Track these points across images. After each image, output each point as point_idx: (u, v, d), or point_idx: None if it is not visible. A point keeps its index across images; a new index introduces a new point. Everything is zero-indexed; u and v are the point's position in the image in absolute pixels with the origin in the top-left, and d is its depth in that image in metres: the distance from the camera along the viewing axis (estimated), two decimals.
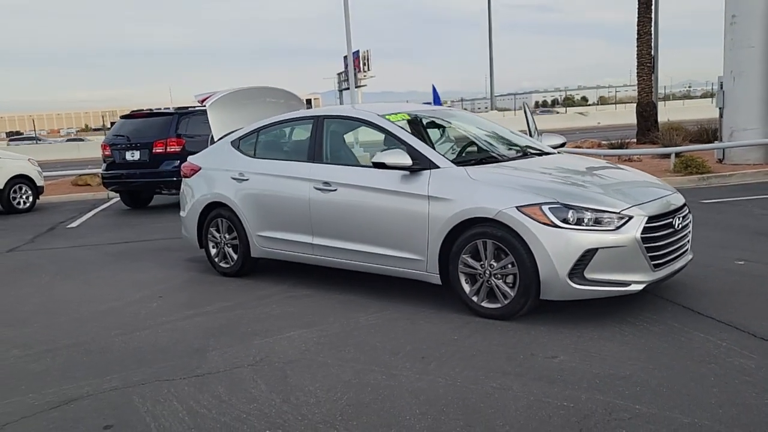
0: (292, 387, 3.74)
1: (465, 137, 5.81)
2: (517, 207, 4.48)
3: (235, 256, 6.37)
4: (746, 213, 8.55)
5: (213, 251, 6.57)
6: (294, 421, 3.31)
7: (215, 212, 6.45)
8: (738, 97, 13.90)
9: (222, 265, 6.50)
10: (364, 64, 49.21)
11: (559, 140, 6.20)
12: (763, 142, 13.56)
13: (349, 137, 6.16)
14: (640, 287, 4.44)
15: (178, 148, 11.69)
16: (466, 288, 4.80)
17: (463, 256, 4.76)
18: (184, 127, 11.95)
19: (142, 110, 13.06)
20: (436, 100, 15.42)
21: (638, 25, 20.68)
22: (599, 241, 4.34)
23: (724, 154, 14.31)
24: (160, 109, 13.34)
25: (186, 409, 3.52)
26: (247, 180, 6.14)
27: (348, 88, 48.75)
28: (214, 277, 6.49)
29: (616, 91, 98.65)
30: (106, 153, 12.32)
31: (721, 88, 14.56)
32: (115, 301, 5.83)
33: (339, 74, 51.15)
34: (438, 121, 5.98)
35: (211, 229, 6.52)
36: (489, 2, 66.18)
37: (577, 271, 4.35)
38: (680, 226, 4.76)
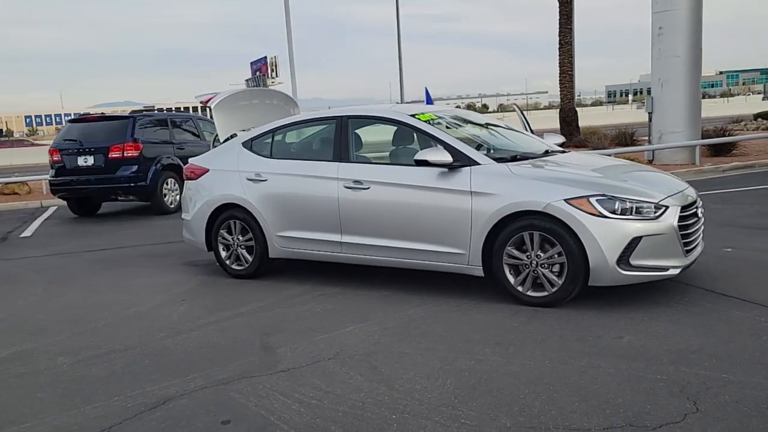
0: (388, 376, 3.82)
1: (488, 135, 6.04)
2: (565, 200, 4.76)
3: (249, 258, 6.32)
4: None
5: (223, 254, 6.49)
6: (414, 406, 3.41)
7: (227, 214, 6.38)
8: (666, 102, 14.95)
9: (234, 267, 6.43)
10: (272, 71, 48.78)
11: (560, 139, 6.56)
12: (689, 144, 14.65)
13: (376, 137, 6.25)
14: (676, 272, 4.81)
15: (135, 153, 11.34)
16: (511, 279, 5.03)
17: (508, 248, 4.99)
18: (140, 131, 11.60)
19: (90, 114, 12.55)
20: (428, 102, 15.73)
21: (560, 36, 21.83)
22: (643, 229, 4.68)
23: (653, 155, 15.36)
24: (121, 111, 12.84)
25: (296, 401, 3.54)
26: (265, 181, 6.12)
27: None
28: (227, 280, 6.41)
29: (526, 98, 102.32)
30: (55, 158, 11.76)
31: (650, 94, 15.59)
32: (137, 306, 5.67)
33: (247, 80, 50.33)
34: (459, 121, 6.18)
35: (222, 231, 6.44)
36: (398, 13, 67.52)
37: (624, 258, 4.67)
38: (701, 215, 5.19)
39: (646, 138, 16.19)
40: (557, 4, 21.52)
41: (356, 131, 6.09)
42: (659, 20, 14.68)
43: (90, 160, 11.42)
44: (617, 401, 3.34)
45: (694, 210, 5.05)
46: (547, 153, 5.81)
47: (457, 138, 5.48)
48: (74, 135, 11.72)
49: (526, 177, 5.03)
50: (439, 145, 5.30)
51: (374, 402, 3.49)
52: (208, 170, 6.58)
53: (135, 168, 11.34)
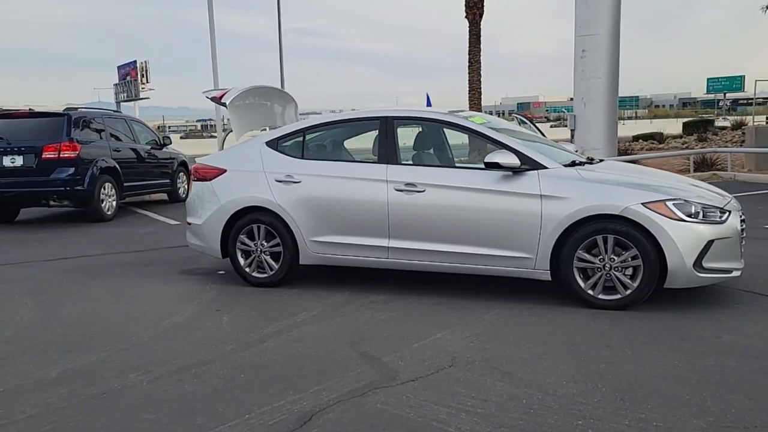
0: (532, 382, 3.68)
1: (533, 141, 6.03)
2: (642, 203, 4.84)
3: (275, 265, 5.92)
4: None
5: (242, 260, 6.03)
6: (590, 411, 3.30)
7: (249, 218, 5.95)
8: (588, 120, 15.79)
9: (256, 275, 5.99)
10: (142, 76, 46.59)
11: (574, 148, 6.72)
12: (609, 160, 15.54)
13: (429, 140, 6.04)
14: (738, 273, 5.03)
15: (72, 154, 10.36)
16: (581, 282, 5.03)
17: (579, 251, 5.00)
18: (77, 130, 10.62)
19: (17, 109, 11.34)
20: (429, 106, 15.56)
21: (469, 54, 22.57)
22: (715, 233, 4.85)
23: None
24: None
25: (460, 410, 3.33)
26: (298, 183, 5.77)
27: (129, 99, 45.84)
28: (248, 288, 5.97)
29: None
30: None
31: (572, 112, 16.41)
32: (169, 318, 5.14)
33: (116, 85, 47.68)
34: (497, 127, 6.13)
35: (242, 236, 5.99)
36: (279, 26, 66.96)
37: (699, 260, 4.81)
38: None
39: None
40: (467, 25, 22.22)
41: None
42: (582, 43, 15.49)
43: (18, 161, 10.27)
44: None
45: (743, 217, 5.31)
46: (591, 160, 5.89)
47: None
48: None
49: (596, 181, 5.08)
50: (504, 149, 5.22)
51: (544, 408, 3.34)
52: (225, 171, 6.10)
53: (72, 170, 10.34)
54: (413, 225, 5.43)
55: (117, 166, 11.25)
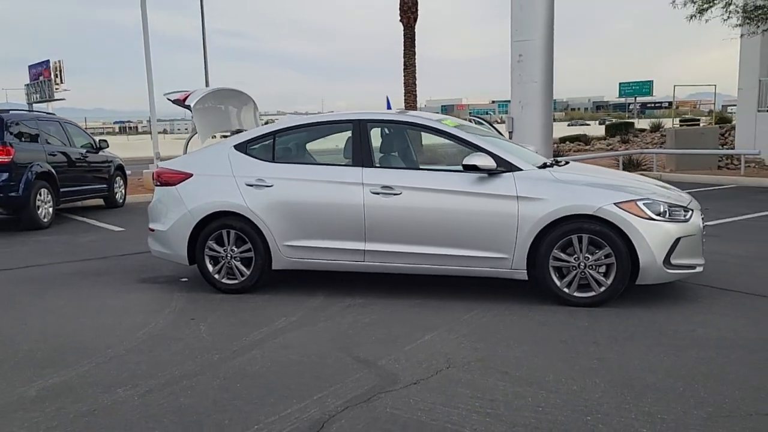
0: (531, 380, 3.76)
1: (504, 144, 6.13)
2: (615, 203, 5.02)
3: (246, 271, 5.80)
4: None
5: (211, 267, 5.88)
6: (594, 406, 3.39)
7: (218, 223, 5.81)
8: (525, 123, 16.16)
9: (226, 281, 5.86)
10: (56, 76, 44.73)
11: (535, 148, 6.90)
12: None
13: (400, 142, 6.05)
14: (701, 269, 5.29)
15: (6, 159, 9.86)
16: (557, 281, 5.17)
17: (555, 251, 5.13)
18: (11, 133, 10.09)
19: None
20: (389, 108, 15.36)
21: (404, 57, 22.74)
22: (682, 230, 5.09)
23: None
24: None
25: (471, 411, 3.36)
26: (270, 186, 5.68)
27: (43, 101, 43.90)
28: (218, 296, 5.82)
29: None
30: None
31: (507, 113, 16.82)
32: (144, 328, 4.96)
33: (27, 86, 45.45)
34: (470, 131, 6.18)
35: (210, 242, 5.84)
36: (203, 25, 65.66)
37: (668, 257, 5.03)
38: None
39: None
40: (401, 29, 22.38)
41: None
42: (519, 48, 15.82)
43: None
44: None
45: (703, 215, 5.58)
46: (557, 162, 6.05)
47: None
48: None
49: (569, 182, 5.23)
50: (480, 152, 5.30)
51: (551, 405, 3.42)
52: (190, 175, 5.93)
53: (6, 176, 9.81)
54: (390, 228, 5.44)
55: (53, 170, 10.75)
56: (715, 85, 29.98)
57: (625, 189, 5.19)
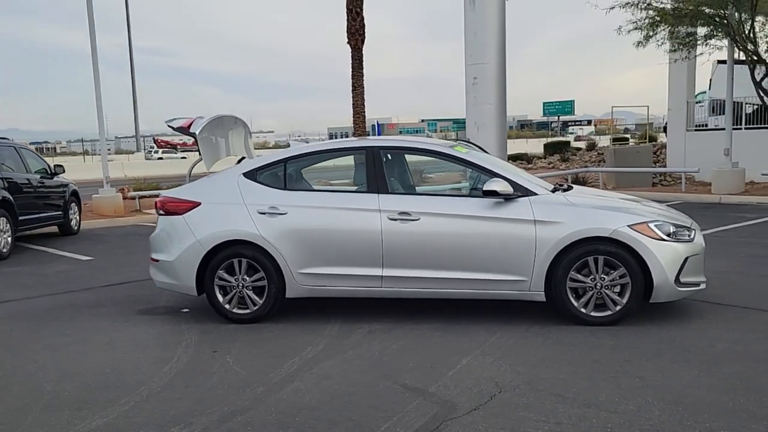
0: (586, 401, 3.87)
1: (507, 168, 6.27)
2: (629, 225, 5.24)
3: (258, 300, 5.73)
4: None
5: (221, 297, 5.78)
6: (659, 424, 3.53)
7: (228, 252, 5.72)
8: (481, 144, 16.45)
9: (237, 311, 5.77)
10: None
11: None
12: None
13: (410, 168, 6.11)
14: (704, 286, 5.56)
15: None
16: (574, 301, 5.34)
17: (572, 272, 5.31)
18: None
19: None
20: (379, 134, 15.13)
21: (353, 79, 22.87)
22: (689, 250, 5.35)
23: None
24: None
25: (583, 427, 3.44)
26: (284, 214, 5.64)
27: None
28: (232, 326, 5.71)
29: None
30: None
31: (466, 136, 17.16)
32: (168, 363, 4.83)
33: None
34: (480, 156, 6.27)
35: (220, 271, 5.74)
36: (130, 45, 64.19)
37: (678, 276, 5.28)
38: None
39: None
40: (349, 51, 22.53)
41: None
42: (473, 71, 16.25)
43: None
44: None
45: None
46: (562, 186, 6.26)
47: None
48: None
49: (584, 206, 5.42)
50: (498, 178, 5.43)
51: (618, 426, 3.54)
52: (198, 204, 5.83)
53: None
54: (408, 253, 5.49)
55: (11, 198, 10.28)
56: (648, 106, 31.49)
57: (635, 211, 5.42)
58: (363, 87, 23.04)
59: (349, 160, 6.44)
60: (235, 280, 5.73)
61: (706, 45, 16.99)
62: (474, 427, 3.58)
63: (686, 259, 5.30)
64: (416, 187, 6.03)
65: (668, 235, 5.28)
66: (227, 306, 5.77)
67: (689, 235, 5.43)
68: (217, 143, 6.30)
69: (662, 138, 31.42)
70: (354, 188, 5.83)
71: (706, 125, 22.99)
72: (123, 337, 5.54)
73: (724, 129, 17.34)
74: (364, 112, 23.23)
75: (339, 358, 4.82)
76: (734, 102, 22.63)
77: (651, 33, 14.67)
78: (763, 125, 19.11)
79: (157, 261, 5.97)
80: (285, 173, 5.86)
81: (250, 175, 5.87)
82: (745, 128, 18.98)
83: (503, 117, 16.52)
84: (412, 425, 3.63)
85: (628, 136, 39.96)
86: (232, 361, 4.82)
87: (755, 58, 15.27)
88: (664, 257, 5.21)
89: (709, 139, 20.70)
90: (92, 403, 4.10)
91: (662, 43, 17.00)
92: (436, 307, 5.94)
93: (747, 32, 14.99)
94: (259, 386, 4.30)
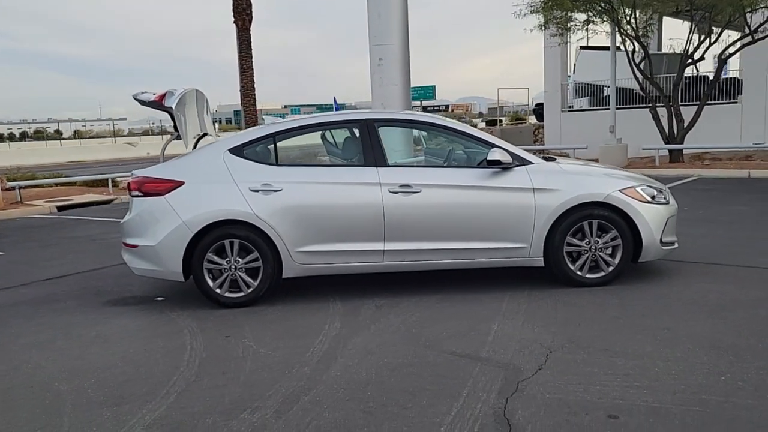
0: (640, 354, 4.05)
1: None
2: (619, 190, 5.53)
3: (252, 282, 5.47)
4: None
5: (210, 282, 5.46)
6: (718, 367, 3.78)
7: (219, 233, 5.40)
8: None
9: (229, 295, 5.47)
10: None
11: None
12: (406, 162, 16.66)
13: (405, 141, 6.02)
14: (677, 245, 5.99)
15: None
16: (570, 265, 5.57)
17: (568, 237, 5.53)
18: None
19: None
20: (337, 109, 14.12)
21: (241, 60, 22.19)
22: (670, 211, 5.74)
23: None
24: None
25: (621, 386, 3.57)
26: (279, 191, 5.40)
27: None
28: (223, 310, 5.42)
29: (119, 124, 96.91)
30: None
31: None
32: (185, 351, 4.50)
33: None
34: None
35: (210, 254, 5.42)
36: None
37: (660, 236, 5.65)
38: None
39: None
40: (234, 30, 21.82)
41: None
42: (378, 52, 16.32)
43: None
44: None
45: None
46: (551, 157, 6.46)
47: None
48: None
49: (576, 173, 5.65)
50: (497, 148, 5.51)
51: (680, 371, 3.74)
52: (182, 183, 5.44)
53: None
54: (410, 226, 5.45)
55: None
56: (528, 89, 33.09)
57: (622, 176, 5.72)
58: (252, 69, 22.38)
59: (316, 137, 6.30)
60: (226, 262, 5.42)
61: (586, 30, 18.23)
62: (553, 384, 3.65)
63: (667, 220, 5.67)
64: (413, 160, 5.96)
65: (652, 198, 5.62)
66: (218, 290, 5.46)
67: (665, 198, 5.81)
68: (192, 118, 5.89)
69: (531, 120, 33.27)
70: (344, 162, 5.68)
71: (572, 106, 24.71)
72: (111, 330, 5.09)
73: (591, 110, 18.70)
74: (255, 94, 22.59)
75: (365, 333, 4.71)
76: (595, 85, 24.48)
77: (549, 17, 15.41)
78: (633, 105, 20.80)
79: (136, 246, 5.51)
80: (276, 148, 5.60)
81: (237, 151, 5.55)
82: (621, 108, 20.47)
83: (408, 98, 16.71)
84: (490, 388, 3.64)
85: (525, 118, 41.43)
86: (254, 345, 4.58)
87: (635, 43, 16.53)
88: (651, 219, 5.55)
89: (581, 118, 22.25)
90: (128, 399, 3.75)
91: (546, 27, 17.97)
92: (431, 280, 5.95)
93: (628, 18, 16.18)
94: (302, 366, 4.12)
